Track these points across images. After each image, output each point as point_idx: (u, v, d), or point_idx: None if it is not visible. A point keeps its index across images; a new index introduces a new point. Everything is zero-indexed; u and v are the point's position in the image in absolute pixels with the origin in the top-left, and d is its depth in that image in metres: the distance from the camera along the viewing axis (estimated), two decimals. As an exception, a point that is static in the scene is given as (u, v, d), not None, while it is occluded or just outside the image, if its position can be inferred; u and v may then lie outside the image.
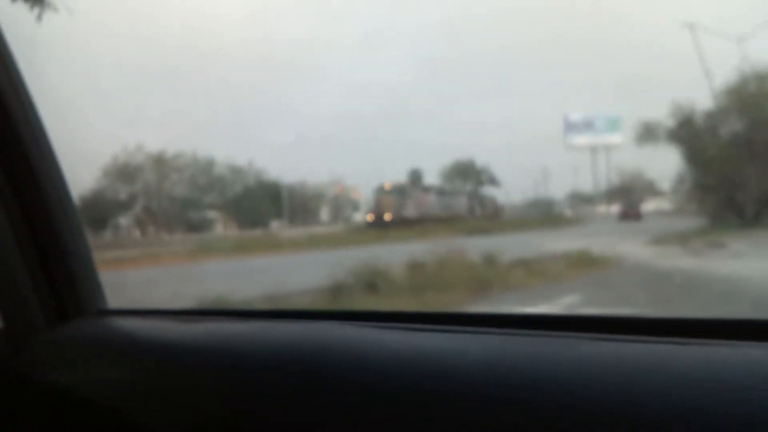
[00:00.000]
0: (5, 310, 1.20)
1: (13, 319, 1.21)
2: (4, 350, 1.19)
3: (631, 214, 31.58)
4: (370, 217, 31.40)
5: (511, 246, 13.45)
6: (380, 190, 35.05)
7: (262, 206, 28.43)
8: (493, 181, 60.60)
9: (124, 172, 33.34)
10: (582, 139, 51.30)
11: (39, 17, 5.55)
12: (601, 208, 45.54)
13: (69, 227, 1.25)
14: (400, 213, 30.16)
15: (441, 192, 39.59)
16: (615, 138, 48.54)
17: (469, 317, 0.95)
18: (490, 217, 41.46)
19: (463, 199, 41.87)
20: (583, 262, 12.09)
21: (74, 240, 1.26)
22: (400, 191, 32.15)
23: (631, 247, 15.51)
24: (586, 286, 9.46)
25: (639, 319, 0.92)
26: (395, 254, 10.32)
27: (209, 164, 36.08)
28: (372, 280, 8.59)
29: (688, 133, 23.04)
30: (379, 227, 29.51)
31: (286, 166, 27.15)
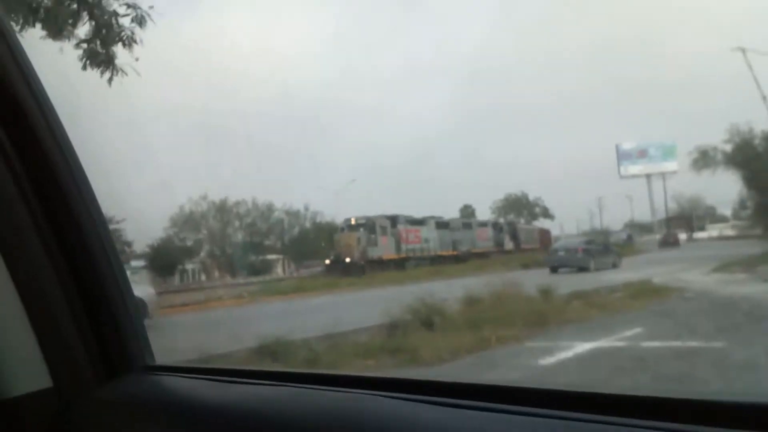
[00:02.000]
0: (55, 366, 1.18)
1: (62, 375, 1.19)
2: (55, 407, 1.17)
3: (670, 242, 36.67)
4: (327, 261, 27.83)
5: (567, 279, 13.25)
6: (345, 226, 29.00)
7: (319, 247, 29.92)
8: (546, 213, 58.41)
9: (189, 220, 34.53)
10: (636, 168, 49.81)
11: (110, 81, 6.03)
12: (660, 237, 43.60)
13: (116, 283, 1.27)
14: (367, 253, 26.59)
15: (443, 224, 33.13)
16: (670, 165, 46.96)
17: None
18: (528, 250, 37.29)
19: (484, 232, 36.64)
20: (644, 292, 11.78)
21: (121, 295, 1.27)
22: (369, 227, 28.22)
23: (693, 275, 15.00)
24: (649, 316, 9.20)
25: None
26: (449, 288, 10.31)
27: (268, 210, 37.01)
28: (428, 317, 8.61)
29: (748, 156, 22.33)
30: (337, 272, 25.27)
31: (340, 208, 27.80)
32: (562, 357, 6.68)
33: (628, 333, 7.83)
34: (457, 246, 32.50)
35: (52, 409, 1.18)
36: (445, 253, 31.55)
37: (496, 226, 38.87)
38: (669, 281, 13.20)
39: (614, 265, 21.86)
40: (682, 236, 33.39)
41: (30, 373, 1.17)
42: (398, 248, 29.03)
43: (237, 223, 36.17)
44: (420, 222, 31.51)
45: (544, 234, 46.59)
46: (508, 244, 38.23)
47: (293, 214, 36.29)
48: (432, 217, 32.12)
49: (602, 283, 13.26)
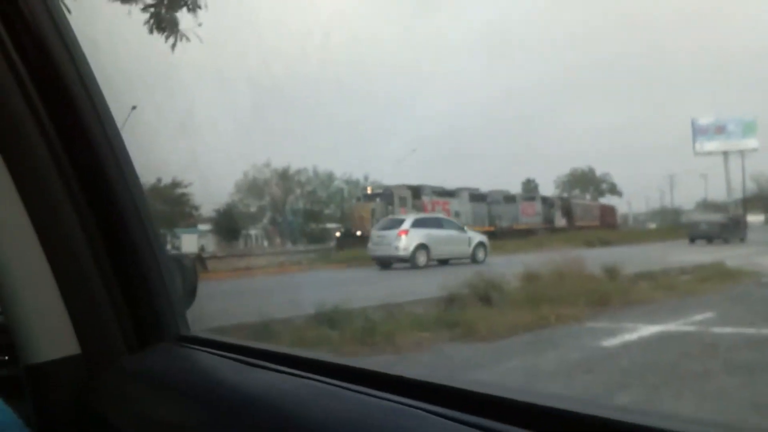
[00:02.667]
0: (83, 333, 1.16)
1: (91, 342, 1.17)
2: (82, 375, 1.15)
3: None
4: (338, 234, 26.04)
5: (634, 258, 12.81)
6: (361, 196, 27.13)
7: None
8: (613, 189, 56.53)
9: (253, 186, 35.39)
10: (713, 145, 47.52)
11: (173, 47, 6.10)
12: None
13: (150, 248, 1.23)
14: None
15: (478, 196, 29.80)
16: (750, 142, 44.62)
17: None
18: (585, 228, 33.78)
19: (530, 206, 32.94)
20: (717, 275, 11.26)
21: (156, 261, 1.24)
22: (386, 197, 25.32)
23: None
24: (721, 301, 8.79)
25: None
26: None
27: (328, 179, 37.49)
28: (486, 293, 8.51)
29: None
30: (345, 245, 23.02)
31: (400, 178, 27.55)
32: (626, 339, 6.46)
33: (698, 317, 7.49)
34: (494, 221, 29.91)
35: (79, 376, 1.16)
36: (479, 228, 27.82)
37: (546, 200, 35.61)
38: (743, 265, 12.57)
39: (742, 240, 23.49)
40: (760, 218, 31.55)
41: (57, 339, 1.15)
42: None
43: (298, 191, 36.81)
44: (450, 193, 28.83)
45: (608, 211, 43.97)
46: (560, 221, 35.33)
47: (353, 183, 36.56)
48: (465, 189, 29.68)
49: (672, 265, 12.76)
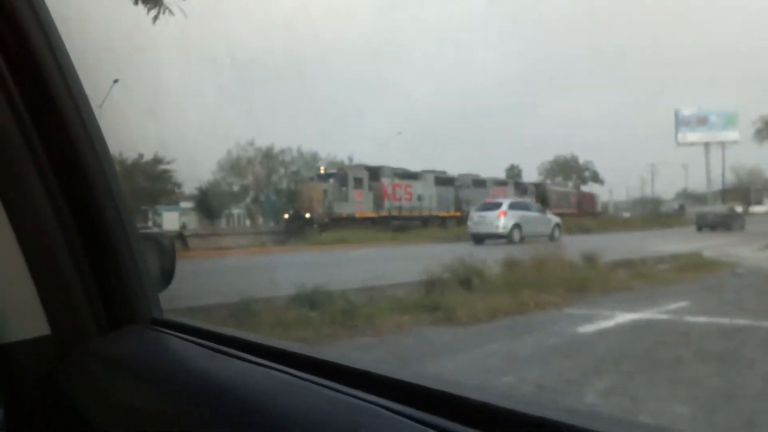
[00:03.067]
0: (54, 313, 1.15)
1: (61, 323, 1.15)
2: (52, 356, 1.14)
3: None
4: (286, 215, 24.12)
5: (613, 246, 12.97)
6: (314, 176, 25.32)
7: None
8: (595, 177, 56.83)
9: (236, 165, 35.05)
10: (694, 136, 48.10)
11: (155, 20, 5.97)
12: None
13: (123, 229, 1.21)
14: (334, 209, 22.53)
15: (445, 180, 28.58)
16: (731, 134, 45.25)
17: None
18: (561, 215, 31.66)
19: (501, 191, 30.10)
20: (693, 265, 11.44)
21: (128, 242, 1.21)
22: (340, 178, 24.03)
23: (746, 250, 14.48)
24: (696, 290, 8.94)
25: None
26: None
27: (313, 159, 37.27)
28: (467, 277, 8.56)
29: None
30: (291, 231, 21.89)
31: (385, 161, 27.40)
32: (602, 326, 6.56)
33: (673, 306, 7.62)
34: (462, 206, 28.12)
35: (49, 357, 1.14)
36: (444, 213, 27.69)
37: (519, 185, 34.28)
38: (720, 255, 12.79)
39: (742, 227, 25.41)
40: (738, 209, 32.91)
41: (27, 320, 1.13)
42: (378, 205, 25.06)
43: (282, 171, 36.57)
44: (413, 176, 27.39)
45: (587, 198, 43.67)
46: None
47: (337, 165, 36.36)
48: (431, 171, 28.29)
49: (650, 254, 12.93)
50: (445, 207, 27.99)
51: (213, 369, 0.93)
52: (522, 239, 18.71)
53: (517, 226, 19.47)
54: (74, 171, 1.18)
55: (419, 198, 26.85)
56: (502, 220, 19.39)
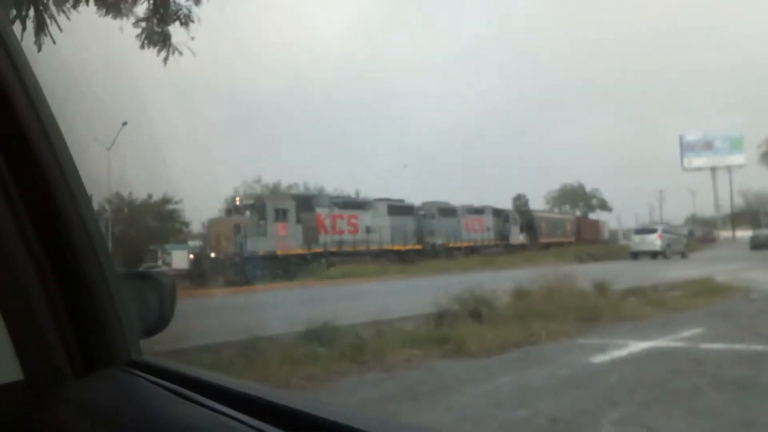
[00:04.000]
0: (26, 357, 1.11)
1: (34, 368, 1.12)
2: (24, 402, 1.10)
3: (708, 239, 40.00)
4: (191, 255, 21.20)
5: (623, 273, 12.85)
6: (232, 208, 21.46)
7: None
8: (603, 205, 56.57)
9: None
10: (700, 161, 48.12)
11: (165, 61, 6.09)
12: (725, 233, 42.48)
13: (101, 274, 1.17)
14: (246, 246, 18.81)
15: (401, 209, 25.88)
16: (737, 158, 45.26)
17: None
18: (553, 245, 31.19)
19: (478, 221, 28.69)
20: (706, 291, 11.30)
21: (105, 283, 1.18)
22: (259, 210, 20.52)
23: (759, 274, 14.30)
24: (710, 316, 8.81)
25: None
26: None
27: (319, 194, 37.41)
28: (476, 308, 8.48)
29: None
30: (194, 274, 18.05)
31: (391, 194, 27.29)
32: (615, 356, 6.45)
33: (687, 333, 7.51)
34: (425, 238, 26.00)
35: (20, 404, 1.10)
36: (399, 246, 24.58)
37: (500, 213, 31.47)
38: (732, 280, 12.64)
39: None
40: (748, 233, 34.69)
41: None
42: (309, 239, 21.44)
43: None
44: (359, 205, 24.60)
45: (588, 225, 42.19)
46: (516, 237, 32.00)
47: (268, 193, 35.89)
48: (384, 200, 25.39)
49: (661, 280, 12.79)
50: (401, 239, 24.84)
51: (176, 418, 0.91)
52: (667, 255, 25.20)
53: (667, 245, 25.94)
54: (49, 211, 1.16)
55: (368, 230, 23.70)
56: (659, 241, 25.67)
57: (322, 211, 22.50)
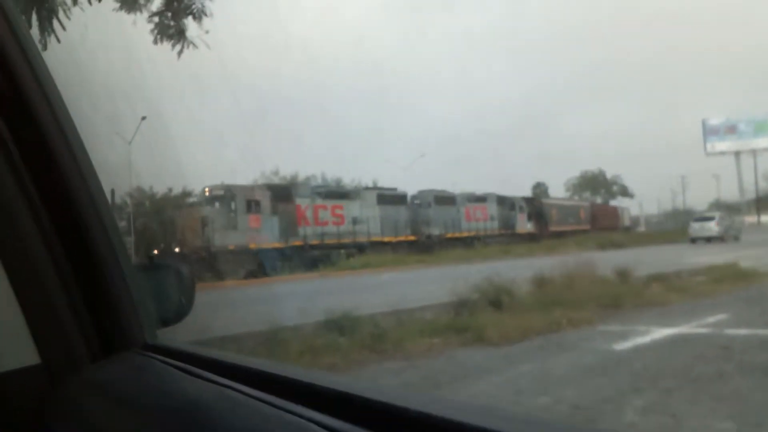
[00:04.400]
0: (44, 342, 1.13)
1: (51, 352, 1.14)
2: (42, 385, 1.12)
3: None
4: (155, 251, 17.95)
5: (646, 260, 12.71)
6: (203, 200, 19.60)
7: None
8: (624, 191, 55.69)
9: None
10: (724, 145, 47.23)
11: (179, 54, 6.12)
12: (750, 218, 41.85)
13: (113, 254, 1.19)
14: (213, 239, 17.41)
15: (392, 198, 24.24)
16: (762, 142, 44.37)
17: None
18: (567, 234, 29.76)
19: (480, 209, 27.35)
20: (730, 276, 11.14)
21: (119, 267, 1.20)
22: (227, 201, 18.88)
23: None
24: (735, 302, 8.68)
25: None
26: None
27: (337, 185, 37.55)
28: (497, 297, 8.45)
29: None
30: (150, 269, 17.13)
31: (409, 183, 27.17)
32: (638, 342, 6.39)
33: (711, 319, 7.40)
34: (421, 229, 24.47)
35: (39, 387, 1.13)
36: (390, 238, 23.00)
37: (504, 201, 29.42)
38: (758, 266, 12.42)
39: None
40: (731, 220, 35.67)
41: (16, 349, 1.12)
42: (287, 232, 19.93)
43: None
44: (345, 195, 22.97)
45: (605, 212, 40.63)
46: (523, 226, 30.24)
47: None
48: (374, 189, 24.29)
49: (684, 267, 12.64)
50: (391, 230, 23.08)
51: (193, 396, 0.92)
52: (725, 239, 26.96)
53: (723, 230, 27.84)
54: (63, 199, 1.18)
55: (354, 221, 21.93)
56: (716, 228, 27.77)
57: (302, 202, 20.92)
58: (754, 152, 45.47)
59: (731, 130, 45.88)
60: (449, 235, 25.31)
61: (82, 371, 1.16)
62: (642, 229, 43.69)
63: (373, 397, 0.71)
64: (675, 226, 39.99)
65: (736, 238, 27.87)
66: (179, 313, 1.39)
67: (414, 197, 25.48)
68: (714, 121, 46.52)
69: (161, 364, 1.11)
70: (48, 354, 1.14)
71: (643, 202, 54.14)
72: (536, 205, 32.26)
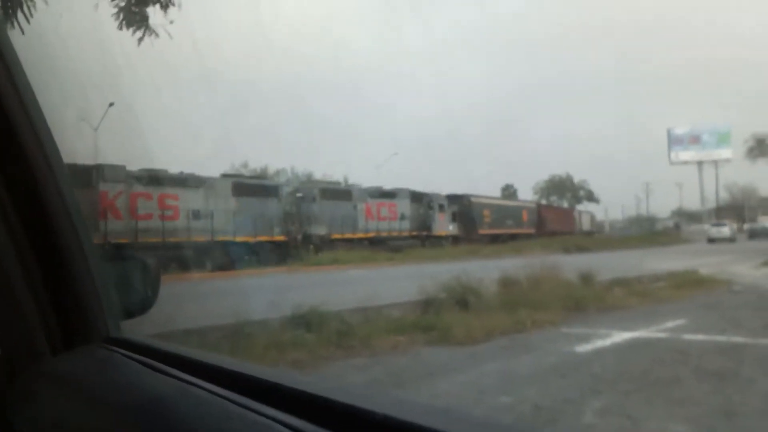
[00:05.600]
0: (5, 333, 1.12)
1: (13, 343, 1.13)
2: (2, 377, 1.11)
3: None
4: None
5: (610, 264, 12.96)
6: None
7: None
8: (590, 196, 56.74)
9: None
10: (688, 154, 48.55)
11: (139, 41, 5.99)
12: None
13: (80, 253, 1.17)
14: None
15: (256, 189, 19.64)
16: (724, 152, 45.77)
17: None
18: (498, 237, 26.88)
19: (384, 207, 23.48)
20: (690, 283, 11.43)
21: (85, 265, 1.18)
22: None
23: (743, 267, 14.48)
24: (693, 308, 8.91)
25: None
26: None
27: (308, 180, 37.33)
28: (463, 297, 8.52)
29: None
30: None
31: (380, 181, 26.94)
32: (598, 345, 6.51)
33: (670, 324, 7.59)
34: (294, 227, 20.70)
35: None
36: (247, 238, 18.31)
37: (420, 198, 25.46)
38: (716, 273, 12.78)
39: None
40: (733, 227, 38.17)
41: None
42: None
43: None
44: (181, 182, 17.67)
45: (557, 215, 38.76)
46: (443, 227, 26.49)
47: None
48: (234, 176, 20.61)
49: (646, 272, 12.91)
50: (252, 228, 18.48)
51: (156, 392, 0.91)
52: (734, 240, 33.27)
53: (732, 232, 35.01)
54: (27, 190, 1.15)
55: (195, 214, 17.32)
56: (728, 231, 34.62)
57: (110, 188, 15.79)
58: (716, 163, 46.76)
59: (695, 140, 47.07)
60: (338, 236, 21.39)
61: (42, 363, 1.14)
62: (607, 233, 44.47)
63: (337, 399, 0.71)
64: (639, 232, 40.85)
65: (733, 240, 34.19)
66: (144, 305, 1.37)
67: (296, 190, 22.27)
68: (679, 130, 47.65)
69: (124, 358, 1.10)
70: (8, 346, 1.13)
71: (609, 207, 55.15)
72: (464, 204, 28.79)
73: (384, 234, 23.43)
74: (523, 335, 7.06)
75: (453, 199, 27.96)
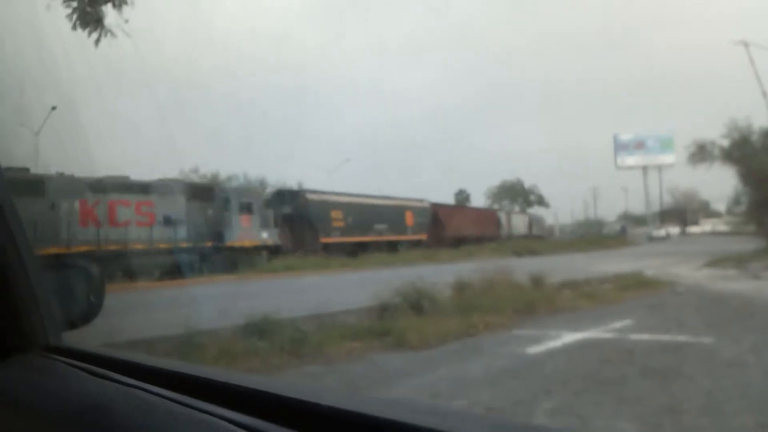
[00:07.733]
0: None
1: None
2: None
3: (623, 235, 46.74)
4: None
5: (560, 267, 13.25)
6: None
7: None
8: (541, 201, 57.85)
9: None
10: (633, 159, 50.18)
11: (97, 42, 5.84)
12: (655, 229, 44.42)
13: (17, 259, 1.13)
14: None
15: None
16: (667, 158, 47.45)
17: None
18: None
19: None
20: (635, 284, 11.79)
21: (23, 272, 1.14)
22: None
23: (685, 269, 15.03)
24: (639, 309, 9.19)
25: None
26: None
27: (261, 185, 36.83)
28: (418, 301, 8.56)
29: (745, 153, 22.36)
30: None
31: (333, 187, 26.73)
32: (549, 346, 6.64)
33: (617, 324, 7.80)
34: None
35: None
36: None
37: (208, 195, 18.49)
38: (660, 275, 13.21)
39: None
40: (675, 230, 39.64)
41: None
42: None
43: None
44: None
45: (464, 217, 30.44)
46: (251, 235, 18.65)
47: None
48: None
49: (594, 274, 13.25)
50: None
51: (98, 398, 0.89)
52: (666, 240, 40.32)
53: (668, 233, 43.39)
54: None
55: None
56: (663, 232, 43.61)
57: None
58: (659, 168, 48.47)
59: (640, 145, 48.70)
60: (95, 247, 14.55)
61: None
62: (557, 237, 45.45)
63: (285, 394, 0.71)
64: (587, 235, 41.93)
65: (666, 239, 41.10)
66: (88, 314, 1.32)
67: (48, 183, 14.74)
68: (624, 136, 49.21)
69: (65, 366, 1.07)
70: None
71: (558, 211, 56.49)
72: (299, 203, 21.95)
73: (133, 246, 15.58)
74: (476, 338, 7.14)
75: (281, 196, 22.29)
